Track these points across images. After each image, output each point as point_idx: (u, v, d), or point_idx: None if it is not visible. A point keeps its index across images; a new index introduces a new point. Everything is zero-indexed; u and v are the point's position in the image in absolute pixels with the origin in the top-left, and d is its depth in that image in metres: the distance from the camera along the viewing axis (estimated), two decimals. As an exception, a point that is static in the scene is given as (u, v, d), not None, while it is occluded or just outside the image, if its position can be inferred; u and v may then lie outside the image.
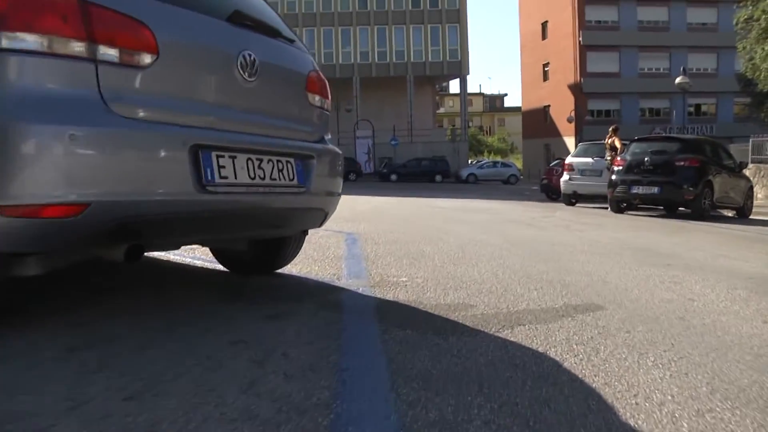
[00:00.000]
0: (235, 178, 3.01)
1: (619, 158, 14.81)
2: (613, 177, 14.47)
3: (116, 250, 2.78)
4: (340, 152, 4.10)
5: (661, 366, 2.62)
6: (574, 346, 2.87)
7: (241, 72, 3.09)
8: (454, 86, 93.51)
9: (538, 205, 18.48)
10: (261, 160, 3.19)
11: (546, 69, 58.77)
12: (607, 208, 15.12)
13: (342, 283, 4.35)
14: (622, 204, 14.60)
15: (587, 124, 50.86)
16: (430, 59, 54.22)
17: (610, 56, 51.17)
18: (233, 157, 3.02)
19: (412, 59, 53.96)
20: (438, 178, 46.36)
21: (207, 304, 3.54)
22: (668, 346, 2.92)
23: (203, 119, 2.91)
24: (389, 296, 3.90)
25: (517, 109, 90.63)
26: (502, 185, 44.50)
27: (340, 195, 4.10)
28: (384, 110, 53.57)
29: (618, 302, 3.90)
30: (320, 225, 4.00)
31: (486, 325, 3.20)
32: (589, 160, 17.47)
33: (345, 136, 49.77)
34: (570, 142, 51.91)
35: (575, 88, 52.18)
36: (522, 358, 2.65)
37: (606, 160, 16.20)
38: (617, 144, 15.80)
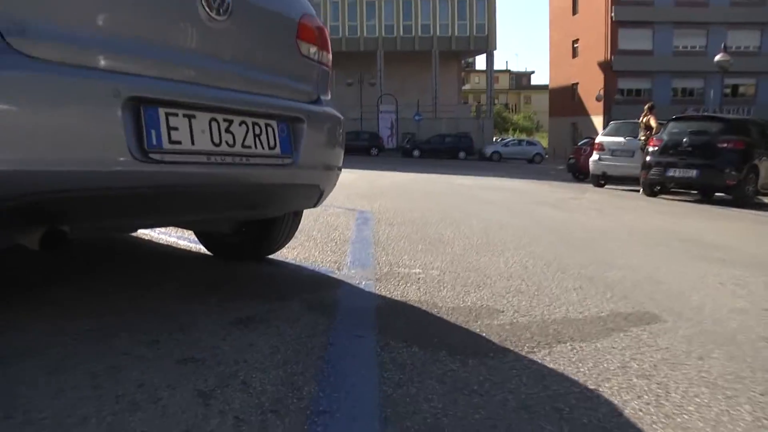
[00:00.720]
0: (192, 143, 2.29)
1: (654, 138, 13.89)
2: (648, 158, 13.55)
3: (29, 235, 2.09)
4: (341, 117, 3.36)
5: (764, 420, 1.88)
6: (634, 380, 2.15)
7: (206, 7, 2.36)
8: (480, 63, 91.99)
9: (564, 185, 17.65)
10: (230, 122, 2.47)
11: (575, 46, 57.23)
12: (638, 191, 14.24)
13: (342, 274, 3.65)
14: (656, 187, 13.70)
15: (617, 104, 49.47)
16: (456, 34, 52.90)
17: (643, 33, 49.45)
18: (190, 117, 2.30)
19: (438, 33, 52.69)
20: (461, 155, 45.39)
21: (169, 301, 2.85)
22: (764, 386, 2.18)
23: (148, 65, 2.19)
24: (396, 294, 3.20)
25: (543, 87, 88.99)
26: (526, 164, 43.50)
27: (340, 169, 3.38)
28: (408, 85, 52.52)
29: (677, 312, 3.16)
30: (315, 205, 3.28)
31: (517, 342, 2.49)
32: (620, 139, 16.53)
33: (368, 110, 48.98)
34: (598, 121, 50.58)
35: (605, 66, 50.72)
36: (566, 399, 1.94)
37: (640, 140, 15.26)
38: (653, 123, 14.85)
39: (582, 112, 54.94)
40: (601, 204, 10.49)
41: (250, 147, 2.53)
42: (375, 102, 49.43)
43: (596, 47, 51.85)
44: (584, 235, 6.11)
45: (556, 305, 3.13)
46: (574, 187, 16.85)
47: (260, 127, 2.60)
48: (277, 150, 2.69)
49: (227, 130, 2.44)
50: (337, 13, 51.94)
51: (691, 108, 42.99)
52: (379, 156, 42.43)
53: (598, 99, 50.70)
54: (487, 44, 53.25)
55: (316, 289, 3.24)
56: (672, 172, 12.93)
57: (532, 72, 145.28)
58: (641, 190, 14.05)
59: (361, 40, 52.03)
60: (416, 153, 44.59)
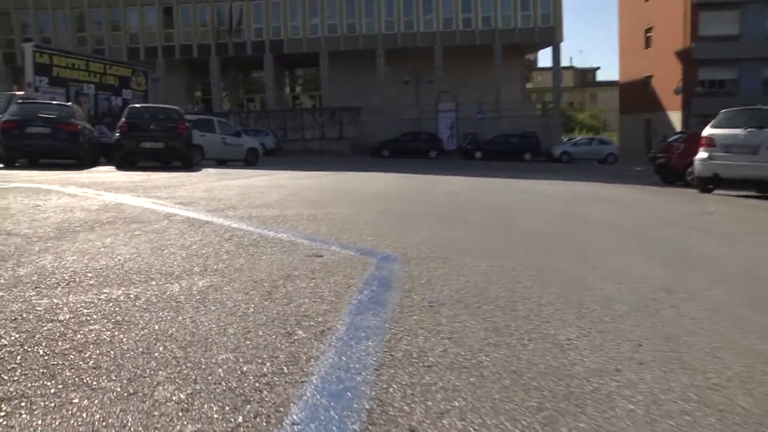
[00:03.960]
0: None
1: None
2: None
3: None
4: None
5: None
6: None
7: None
8: (542, 59, 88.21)
9: (661, 191, 14.60)
10: None
11: (648, 35, 53.11)
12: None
13: None
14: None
15: (697, 96, 45.31)
16: (519, 25, 49.67)
17: (729, 15, 44.96)
18: None
19: (500, 26, 49.56)
20: (527, 156, 42.13)
21: None
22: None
23: None
24: None
25: (609, 84, 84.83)
26: (598, 165, 40.01)
27: None
28: (468, 82, 49.47)
29: None
30: None
31: None
32: (737, 131, 13.18)
33: (426, 110, 46.18)
34: (676, 116, 46.63)
35: (684, 55, 46.58)
36: None
37: (769, 132, 12.06)
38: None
39: (657, 107, 50.84)
40: (754, 223, 7.49)
41: None
42: (433, 101, 46.56)
43: (673, 35, 47.71)
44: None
45: None
46: (674, 193, 13.83)
47: None
48: None
49: None
50: (392, 8, 49.38)
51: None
52: (437, 159, 39.64)
53: (676, 92, 46.63)
54: (553, 35, 49.81)
55: None
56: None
57: (598, 68, 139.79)
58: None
59: (417, 35, 49.30)
60: (478, 155, 41.57)
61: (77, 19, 50.62)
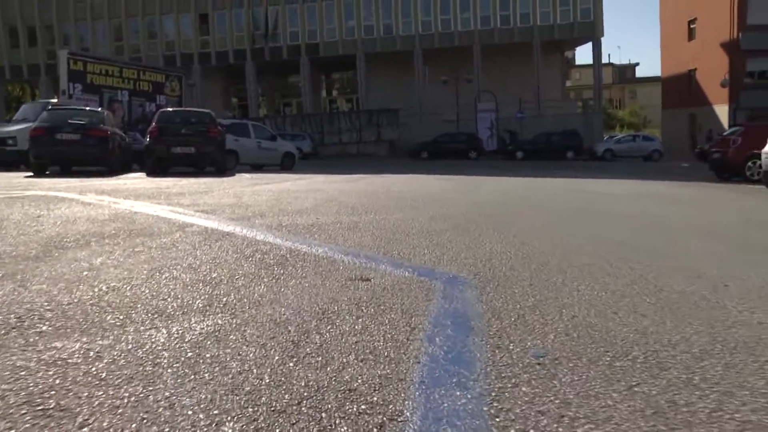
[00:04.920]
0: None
1: None
2: None
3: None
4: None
5: None
6: None
7: None
8: (580, 57, 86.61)
9: (723, 187, 13.42)
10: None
11: (692, 26, 51.13)
12: None
13: None
14: None
15: (746, 89, 43.33)
16: (558, 21, 48.20)
17: (781, 3, 43.09)
18: None
19: (538, 22, 48.16)
20: (570, 154, 40.66)
21: None
22: None
23: None
24: None
25: (649, 80, 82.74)
26: (643, 162, 38.43)
27: None
28: (507, 81, 48.12)
29: None
30: None
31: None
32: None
33: (465, 109, 45.00)
34: (722, 110, 44.66)
35: (730, 46, 44.62)
36: None
37: None
38: None
39: (702, 101, 48.84)
40: None
41: None
42: (472, 100, 45.35)
43: (719, 25, 45.78)
44: None
45: None
46: (744, 191, 12.54)
47: None
48: None
49: None
50: (429, 7, 48.31)
51: None
52: (478, 159, 38.43)
53: (723, 85, 44.68)
54: (593, 30, 48.21)
55: None
56: None
57: (637, 64, 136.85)
58: None
59: (455, 35, 48.11)
60: (519, 154, 40.24)
61: (116, 29, 50.60)
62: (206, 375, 1.79)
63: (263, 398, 1.64)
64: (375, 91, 47.54)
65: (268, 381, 1.76)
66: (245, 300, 2.68)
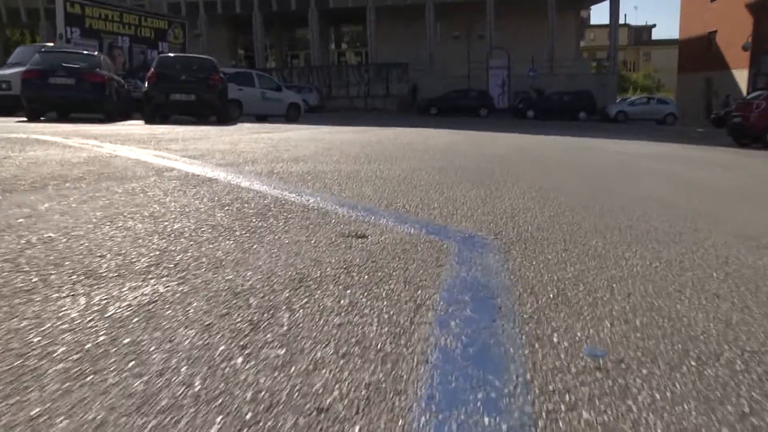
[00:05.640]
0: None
1: None
2: None
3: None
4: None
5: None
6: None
7: None
8: (595, 17, 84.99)
9: (745, 152, 12.75)
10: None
11: (716, -14, 49.67)
12: None
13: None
14: None
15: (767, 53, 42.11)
16: (576, -23, 46.84)
17: (811, -37, 41.42)
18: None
19: (555, -22, 46.75)
20: (582, 115, 39.72)
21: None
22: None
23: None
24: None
25: (665, 42, 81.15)
26: (656, 125, 37.49)
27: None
28: (521, 38, 46.86)
29: None
30: None
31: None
32: None
33: (476, 66, 43.89)
34: (741, 75, 43.44)
35: (756, 7, 43.11)
36: None
37: None
38: None
39: (720, 65, 47.52)
40: None
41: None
42: (484, 57, 44.22)
43: (745, -16, 44.35)
44: None
45: None
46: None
47: None
48: None
49: None
50: (443, -43, 46.92)
51: None
52: (488, 118, 37.51)
53: (745, 48, 43.35)
54: (611, -11, 46.85)
55: None
56: None
57: (653, 26, 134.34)
58: None
59: (468, -12, 46.80)
60: (530, 113, 39.32)
61: (119, -26, 49.36)
62: (110, 378, 1.20)
63: (180, 425, 1.05)
64: (385, 45, 46.42)
65: (197, 390, 1.17)
66: (204, 260, 2.08)
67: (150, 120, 14.62)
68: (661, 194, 4.85)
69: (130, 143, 7.23)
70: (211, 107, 15.85)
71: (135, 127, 11.89)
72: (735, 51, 44.61)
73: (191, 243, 2.32)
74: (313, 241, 2.37)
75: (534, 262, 2.24)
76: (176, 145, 7.20)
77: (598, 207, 3.77)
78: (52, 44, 21.85)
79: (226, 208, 3.07)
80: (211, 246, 2.28)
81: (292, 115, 21.65)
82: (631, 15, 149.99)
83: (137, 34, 25.66)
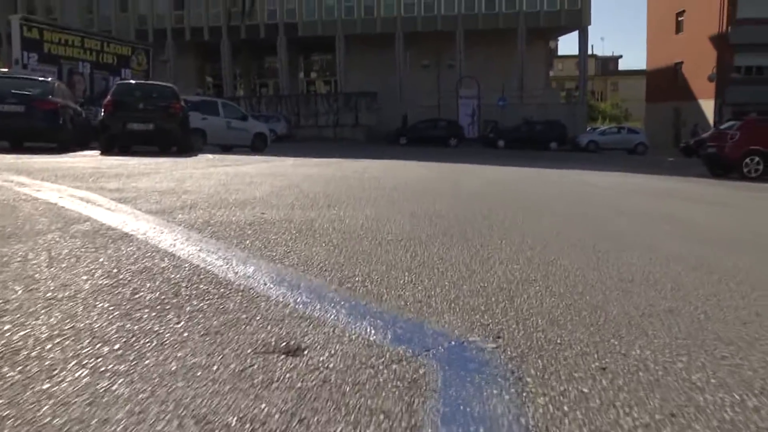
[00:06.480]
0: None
1: None
2: None
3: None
4: None
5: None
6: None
7: None
8: (563, 48, 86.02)
9: (724, 184, 12.25)
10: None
11: (680, 19, 50.03)
12: None
13: None
14: None
15: (733, 84, 42.31)
16: (545, 8, 46.83)
17: (773, -4, 41.93)
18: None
19: (524, 9, 46.73)
20: (553, 145, 39.44)
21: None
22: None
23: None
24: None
25: (632, 73, 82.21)
26: (627, 155, 37.28)
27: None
28: (490, 68, 46.72)
29: None
30: None
31: None
32: None
33: (446, 95, 43.57)
34: (708, 105, 43.61)
35: (719, 40, 43.55)
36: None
37: None
38: None
39: (687, 96, 47.80)
40: None
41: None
42: (454, 87, 43.93)
43: (707, 18, 44.73)
44: None
45: None
46: (750, 188, 11.35)
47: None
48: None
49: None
50: (413, -11, 46.75)
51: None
52: (457, 147, 36.96)
53: (710, 79, 43.62)
54: (580, 19, 46.97)
55: None
56: None
57: (620, 56, 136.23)
58: None
59: (438, 18, 46.52)
60: (501, 143, 38.89)
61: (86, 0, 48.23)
62: None
63: None
64: (354, 74, 45.94)
65: None
66: (18, 422, 1.23)
67: (106, 151, 13.64)
68: (677, 248, 4.08)
69: (64, 180, 6.34)
70: (171, 137, 14.85)
71: (86, 158, 10.95)
72: (701, 81, 44.96)
73: (10, 366, 1.46)
74: (215, 368, 1.53)
75: (566, 407, 1.43)
76: (115, 183, 6.32)
77: (615, 273, 2.98)
78: (6, 69, 20.86)
79: (118, 290, 2.22)
80: (40, 387, 1.42)
81: (258, 145, 20.86)
82: (598, 46, 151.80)
83: (99, 59, 24.75)
